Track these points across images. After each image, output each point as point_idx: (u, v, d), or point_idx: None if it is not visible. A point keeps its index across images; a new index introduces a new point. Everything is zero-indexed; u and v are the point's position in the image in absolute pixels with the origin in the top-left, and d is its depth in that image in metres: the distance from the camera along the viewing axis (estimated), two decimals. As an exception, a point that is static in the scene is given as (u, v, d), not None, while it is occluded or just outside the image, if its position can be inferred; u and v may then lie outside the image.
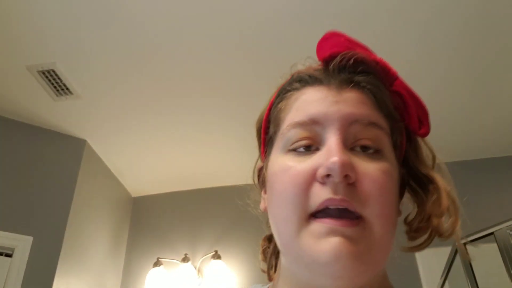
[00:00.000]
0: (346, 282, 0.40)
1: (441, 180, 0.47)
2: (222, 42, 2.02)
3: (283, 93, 0.50)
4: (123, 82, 2.24)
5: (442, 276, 2.03)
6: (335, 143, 0.41)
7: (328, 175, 0.40)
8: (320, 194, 0.40)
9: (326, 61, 0.48)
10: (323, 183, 0.41)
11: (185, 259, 2.69)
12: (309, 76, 0.48)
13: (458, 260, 1.85)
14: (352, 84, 0.45)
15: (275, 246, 0.53)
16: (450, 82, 2.27)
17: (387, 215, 0.41)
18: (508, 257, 1.60)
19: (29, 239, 2.19)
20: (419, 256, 2.49)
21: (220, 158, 2.82)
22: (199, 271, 2.74)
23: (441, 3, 1.85)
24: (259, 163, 0.56)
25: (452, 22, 1.93)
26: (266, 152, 0.51)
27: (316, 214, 0.40)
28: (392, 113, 0.46)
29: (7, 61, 2.09)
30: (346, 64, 0.46)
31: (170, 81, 2.24)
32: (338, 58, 0.46)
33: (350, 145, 0.43)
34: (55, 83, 2.20)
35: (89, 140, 2.64)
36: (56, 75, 2.15)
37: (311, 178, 0.41)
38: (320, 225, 0.40)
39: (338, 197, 0.39)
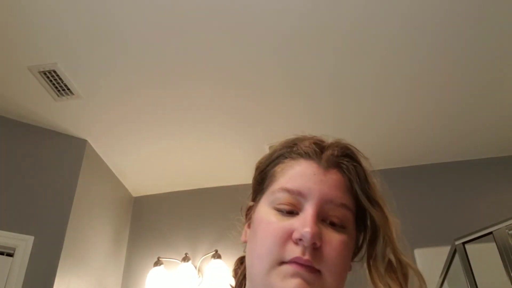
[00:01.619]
0: None
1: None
2: (221, 42, 2.03)
3: (283, 157, 0.62)
4: (123, 82, 2.25)
5: (441, 275, 2.04)
6: (311, 215, 0.53)
7: (300, 239, 0.52)
8: (293, 251, 0.52)
9: (323, 144, 0.61)
10: (295, 243, 0.53)
11: (185, 259, 2.70)
12: (305, 152, 0.60)
13: (457, 260, 1.86)
14: (336, 167, 0.58)
15: (245, 269, 0.63)
16: (450, 83, 2.28)
17: (339, 273, 0.54)
18: (507, 256, 1.61)
19: (30, 238, 2.20)
20: (418, 255, 2.50)
21: (220, 158, 2.83)
22: (199, 270, 2.75)
23: (446, 5, 1.86)
24: (250, 203, 0.66)
25: (454, 23, 1.94)
26: (256, 197, 0.63)
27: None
28: (361, 198, 0.58)
29: (8, 61, 2.10)
30: (335, 149, 0.59)
31: (170, 81, 2.25)
32: (331, 143, 0.61)
33: (322, 217, 0.55)
34: (56, 83, 2.21)
35: (90, 140, 2.65)
36: (57, 75, 2.16)
37: (287, 236, 0.53)
38: (288, 268, 0.52)
39: (305, 257, 0.52)
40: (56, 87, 2.23)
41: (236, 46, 2.05)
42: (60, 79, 2.18)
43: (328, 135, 0.64)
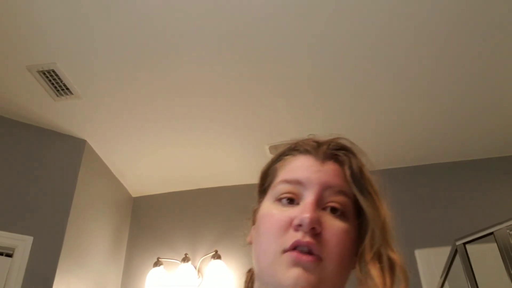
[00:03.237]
0: None
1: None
2: (224, 45, 2.03)
3: (283, 155, 0.64)
4: (123, 82, 2.24)
5: (442, 275, 2.04)
6: (310, 202, 0.55)
7: (300, 225, 0.53)
8: (293, 237, 0.53)
9: (320, 141, 0.63)
10: (296, 230, 0.53)
11: (185, 259, 2.70)
12: (303, 148, 0.62)
13: (457, 260, 1.85)
14: (332, 159, 0.60)
15: (253, 275, 0.65)
16: (451, 82, 2.27)
17: (340, 261, 0.54)
18: (507, 257, 1.60)
19: (30, 239, 2.19)
20: (419, 255, 2.50)
21: (220, 158, 2.82)
22: (199, 271, 2.74)
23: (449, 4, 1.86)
24: (256, 206, 0.67)
25: (453, 20, 1.94)
26: (260, 197, 0.65)
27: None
28: (352, 186, 0.58)
29: (7, 61, 2.09)
30: (331, 143, 0.62)
31: (170, 82, 2.24)
32: (327, 139, 0.63)
33: (322, 205, 0.56)
34: (55, 83, 2.20)
35: (89, 140, 2.64)
36: (56, 75, 2.15)
37: (288, 225, 0.54)
38: (289, 256, 0.52)
39: (305, 240, 0.52)
40: (55, 87, 2.23)
41: (237, 57, 2.05)
42: (59, 79, 2.17)
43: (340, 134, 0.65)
